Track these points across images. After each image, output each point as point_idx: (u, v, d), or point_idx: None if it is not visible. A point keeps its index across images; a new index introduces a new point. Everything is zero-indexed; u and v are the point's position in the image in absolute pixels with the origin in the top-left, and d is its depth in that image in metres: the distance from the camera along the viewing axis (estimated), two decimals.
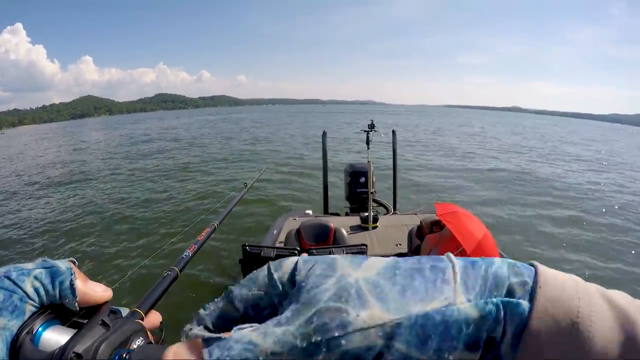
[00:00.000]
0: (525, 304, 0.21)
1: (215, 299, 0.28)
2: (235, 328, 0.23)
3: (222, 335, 0.23)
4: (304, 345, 0.21)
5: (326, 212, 5.53)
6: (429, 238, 3.25)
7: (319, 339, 0.21)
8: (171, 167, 15.15)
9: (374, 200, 5.14)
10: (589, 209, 8.90)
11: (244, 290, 0.27)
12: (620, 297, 0.23)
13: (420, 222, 3.44)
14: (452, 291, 0.22)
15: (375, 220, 4.46)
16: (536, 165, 15.77)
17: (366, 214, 4.43)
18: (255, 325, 0.23)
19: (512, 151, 20.42)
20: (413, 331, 0.21)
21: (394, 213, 5.29)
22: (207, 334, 0.23)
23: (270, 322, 0.23)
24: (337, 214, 5.29)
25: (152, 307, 0.53)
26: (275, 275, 0.26)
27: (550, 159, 17.98)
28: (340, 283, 0.23)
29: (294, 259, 0.27)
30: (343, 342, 0.21)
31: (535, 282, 0.22)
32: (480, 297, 0.22)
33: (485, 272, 0.23)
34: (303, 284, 0.24)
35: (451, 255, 0.25)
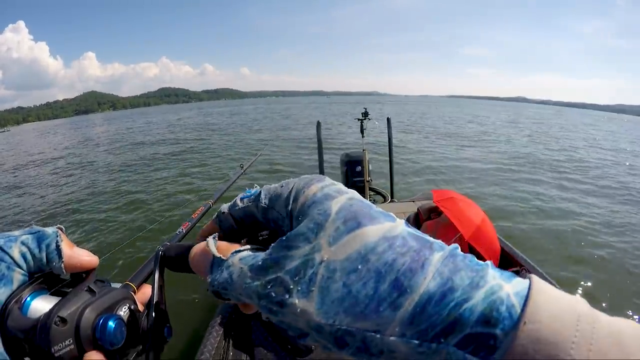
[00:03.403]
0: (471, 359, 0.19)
1: (251, 191, 0.32)
2: (233, 252, 0.27)
3: (222, 257, 0.27)
4: (257, 301, 0.25)
5: None
6: (426, 225, 3.20)
7: (264, 303, 0.24)
8: (170, 150, 15.25)
9: (371, 189, 5.10)
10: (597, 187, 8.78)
11: (267, 202, 0.29)
12: (634, 338, 0.18)
13: (418, 209, 3.39)
14: (391, 319, 0.21)
15: None
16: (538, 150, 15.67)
17: None
18: (247, 254, 0.27)
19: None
20: (332, 337, 0.22)
21: (392, 201, 5.22)
22: (215, 253, 0.28)
23: (251, 259, 0.26)
24: None
25: (144, 281, 0.53)
26: (290, 207, 0.27)
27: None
28: (307, 257, 0.24)
29: (315, 188, 0.27)
30: (279, 314, 0.24)
31: (509, 332, 0.19)
32: (418, 338, 0.20)
33: (447, 313, 0.20)
34: (287, 239, 0.25)
35: (433, 270, 0.21)
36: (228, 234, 0.32)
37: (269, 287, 0.24)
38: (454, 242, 2.71)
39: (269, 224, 0.30)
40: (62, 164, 14.68)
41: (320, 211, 0.25)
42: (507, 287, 0.20)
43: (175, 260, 0.33)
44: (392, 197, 5.43)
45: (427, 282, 0.21)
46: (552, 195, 8.56)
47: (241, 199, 0.32)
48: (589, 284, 4.70)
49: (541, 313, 0.19)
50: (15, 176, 12.75)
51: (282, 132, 20.19)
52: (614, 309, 4.12)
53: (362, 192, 4.69)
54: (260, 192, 0.30)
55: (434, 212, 3.32)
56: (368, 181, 4.55)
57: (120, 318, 0.32)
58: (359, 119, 4.82)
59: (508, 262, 2.98)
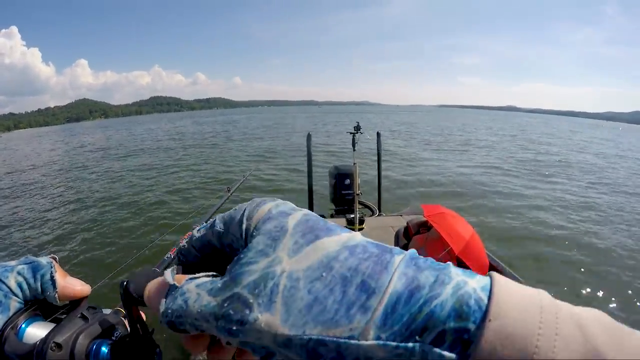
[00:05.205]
0: (449, 356, 0.19)
1: (206, 222, 0.31)
2: (188, 279, 0.26)
3: (177, 284, 0.26)
4: (214, 324, 0.23)
5: None
6: (416, 239, 3.23)
7: (222, 324, 0.23)
8: (158, 169, 15.03)
9: (360, 203, 5.11)
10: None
11: (223, 227, 0.29)
12: (597, 324, 0.19)
13: (407, 223, 3.42)
14: (365, 323, 0.20)
15: (361, 222, 4.43)
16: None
17: (352, 215, 4.40)
18: (204, 280, 0.26)
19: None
20: (303, 349, 0.21)
21: (380, 214, 5.27)
22: (171, 281, 0.26)
23: (210, 284, 0.25)
24: (322, 216, 5.25)
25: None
26: (244, 225, 0.27)
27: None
28: (267, 270, 0.23)
29: (268, 206, 0.28)
30: (240, 334, 0.22)
31: (480, 325, 0.19)
32: (394, 339, 0.20)
33: (419, 310, 0.20)
34: (242, 256, 0.25)
35: (398, 272, 0.22)
36: (192, 267, 0.32)
37: (226, 305, 0.23)
38: (444, 256, 2.70)
39: (224, 249, 0.29)
40: (50, 180, 14.43)
41: (277, 227, 0.25)
42: (472, 282, 0.21)
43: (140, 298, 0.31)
44: (380, 211, 5.47)
45: (394, 282, 0.21)
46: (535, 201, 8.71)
47: (198, 230, 0.32)
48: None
49: (504, 308, 0.19)
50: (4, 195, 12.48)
51: (272, 146, 20.10)
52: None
53: (351, 205, 4.71)
54: (216, 219, 0.30)
55: (423, 227, 3.36)
56: (358, 194, 4.55)
57: (112, 343, 0.34)
58: (351, 133, 4.84)
59: None
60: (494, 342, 0.18)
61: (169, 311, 0.25)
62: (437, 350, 0.19)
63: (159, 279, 0.29)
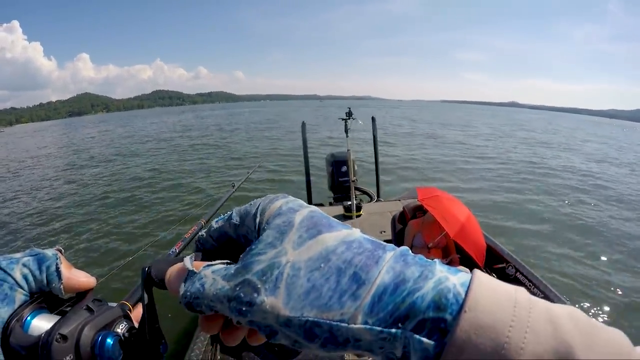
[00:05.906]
0: (427, 343, 0.21)
1: (224, 214, 0.34)
2: (205, 266, 0.29)
3: (196, 270, 0.29)
4: (227, 305, 0.26)
5: (310, 202, 5.37)
6: (412, 223, 3.21)
7: (234, 305, 0.26)
8: (165, 163, 14.99)
9: (357, 189, 5.12)
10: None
11: (239, 219, 0.32)
12: (569, 320, 0.21)
13: (403, 208, 3.42)
14: (354, 309, 0.23)
15: (359, 208, 4.43)
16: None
17: (349, 202, 4.41)
18: (219, 267, 0.28)
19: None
20: (301, 329, 0.24)
21: (378, 200, 5.27)
22: (190, 267, 0.29)
23: (224, 270, 0.28)
24: (321, 204, 5.26)
25: (139, 300, 0.55)
26: (258, 219, 0.30)
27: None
28: (273, 260, 0.26)
29: (279, 203, 0.31)
30: (248, 314, 0.25)
31: (456, 316, 0.21)
32: (379, 325, 0.22)
33: (402, 300, 0.23)
34: (253, 247, 0.28)
35: (387, 266, 0.25)
36: (208, 254, 0.35)
37: (238, 289, 0.26)
38: (440, 240, 2.71)
39: (240, 240, 0.33)
40: (53, 173, 14.44)
41: (285, 222, 0.28)
42: (453, 279, 0.23)
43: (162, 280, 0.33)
44: (378, 197, 5.47)
45: (382, 275, 0.24)
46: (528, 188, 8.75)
47: (216, 222, 0.35)
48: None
49: (481, 302, 0.21)
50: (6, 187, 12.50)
51: (276, 143, 20.04)
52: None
53: (348, 191, 4.73)
54: (232, 212, 0.33)
55: (419, 211, 3.34)
56: (353, 181, 4.56)
57: (117, 335, 0.34)
58: (342, 119, 4.83)
59: (495, 259, 3.01)
60: (469, 332, 0.20)
61: (188, 293, 0.28)
62: (417, 336, 0.21)
63: (179, 264, 0.31)
